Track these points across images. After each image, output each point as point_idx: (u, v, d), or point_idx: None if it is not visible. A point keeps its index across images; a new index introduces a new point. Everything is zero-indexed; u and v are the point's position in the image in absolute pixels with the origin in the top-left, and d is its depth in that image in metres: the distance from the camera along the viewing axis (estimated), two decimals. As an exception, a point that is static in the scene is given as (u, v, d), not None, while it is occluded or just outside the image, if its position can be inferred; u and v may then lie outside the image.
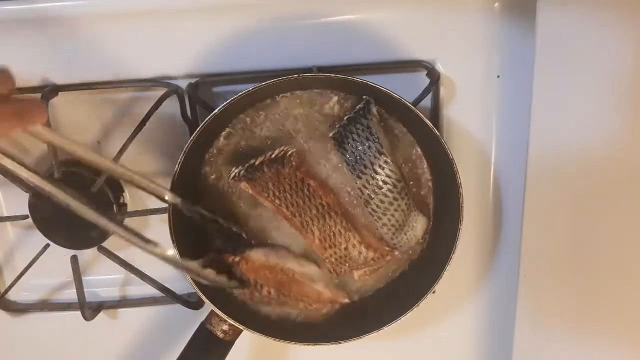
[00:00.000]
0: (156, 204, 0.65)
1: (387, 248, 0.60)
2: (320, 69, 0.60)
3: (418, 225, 0.60)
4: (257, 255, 0.58)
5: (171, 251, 0.52)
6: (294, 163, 0.58)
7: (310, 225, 0.58)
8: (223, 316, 0.58)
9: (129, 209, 0.66)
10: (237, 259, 0.57)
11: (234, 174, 0.58)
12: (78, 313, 0.65)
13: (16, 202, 0.65)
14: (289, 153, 0.58)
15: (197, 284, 0.58)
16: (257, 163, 0.57)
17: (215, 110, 0.55)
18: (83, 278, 0.66)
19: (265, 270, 0.58)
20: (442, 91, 0.62)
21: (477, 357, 0.70)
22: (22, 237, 0.69)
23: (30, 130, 0.42)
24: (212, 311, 0.59)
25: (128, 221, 0.66)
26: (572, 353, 0.62)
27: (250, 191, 0.58)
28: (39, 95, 0.59)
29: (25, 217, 0.64)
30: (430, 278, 0.58)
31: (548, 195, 0.59)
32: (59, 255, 0.66)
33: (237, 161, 0.59)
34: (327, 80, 0.55)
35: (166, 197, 0.54)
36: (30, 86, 0.61)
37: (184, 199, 0.55)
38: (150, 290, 0.67)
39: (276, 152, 0.57)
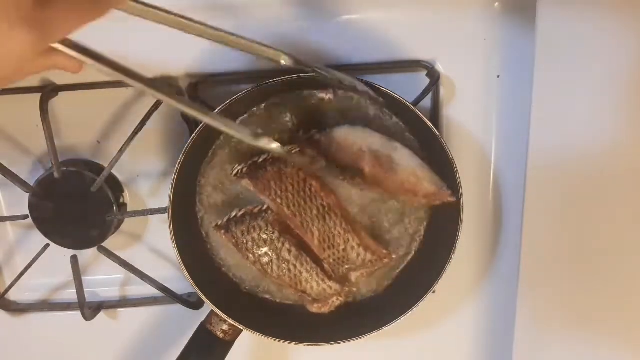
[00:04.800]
0: (156, 203, 0.65)
1: (384, 251, 0.60)
2: (321, 69, 0.60)
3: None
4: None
5: (275, 144, 0.48)
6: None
7: (310, 226, 0.58)
8: (223, 316, 0.58)
9: (129, 209, 0.66)
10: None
11: (236, 170, 0.58)
12: (78, 313, 0.65)
13: (16, 202, 0.65)
14: (294, 152, 0.57)
15: (197, 283, 0.58)
16: (260, 161, 0.57)
17: (216, 111, 0.55)
18: (83, 278, 0.66)
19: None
20: (442, 91, 0.62)
21: (477, 357, 0.70)
22: (22, 237, 0.69)
23: (104, 14, 0.37)
24: (212, 311, 0.59)
25: (128, 221, 0.67)
26: (572, 353, 0.62)
27: (252, 189, 0.58)
28: (39, 95, 0.59)
29: (25, 217, 0.64)
30: (430, 278, 0.58)
31: (548, 195, 0.59)
32: (59, 255, 0.66)
33: (237, 160, 0.59)
34: (327, 81, 0.55)
35: (282, 62, 0.49)
36: (30, 86, 0.61)
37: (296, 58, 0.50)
38: (150, 290, 0.67)
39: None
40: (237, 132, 0.46)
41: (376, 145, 0.57)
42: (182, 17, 0.44)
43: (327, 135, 0.57)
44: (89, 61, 0.39)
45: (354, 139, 0.57)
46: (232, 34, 0.47)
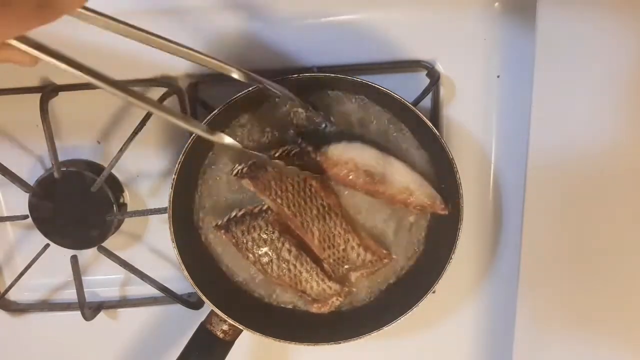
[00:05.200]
0: (156, 203, 0.65)
1: (384, 251, 0.60)
2: (320, 69, 0.60)
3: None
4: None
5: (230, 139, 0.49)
6: (297, 163, 0.58)
7: (310, 226, 0.58)
8: (223, 316, 0.58)
9: (129, 208, 0.66)
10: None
11: (236, 170, 0.58)
12: (78, 313, 0.65)
13: (16, 202, 0.65)
14: (292, 152, 0.58)
15: (197, 283, 0.58)
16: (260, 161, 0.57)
17: (215, 111, 0.55)
18: (83, 278, 0.66)
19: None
20: (442, 91, 0.62)
21: (477, 357, 0.70)
22: (22, 237, 0.69)
23: (51, 21, 0.35)
24: (212, 311, 0.59)
25: (128, 221, 0.67)
26: (572, 353, 0.62)
27: (252, 189, 0.58)
28: (39, 95, 0.59)
29: (25, 217, 0.64)
30: (430, 278, 0.58)
31: (548, 195, 0.59)
32: (59, 255, 0.66)
33: (237, 160, 0.59)
34: (327, 80, 0.55)
35: (233, 75, 0.50)
36: (30, 86, 0.62)
37: (273, 80, 0.52)
38: (150, 290, 0.67)
39: (280, 151, 0.57)
40: (190, 126, 0.46)
41: (371, 161, 0.57)
42: (141, 30, 0.45)
43: (322, 153, 0.58)
44: (45, 58, 0.39)
45: (348, 155, 0.57)
46: (184, 47, 0.47)
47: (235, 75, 0.49)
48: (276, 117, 0.59)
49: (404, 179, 0.58)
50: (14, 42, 0.37)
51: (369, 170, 0.57)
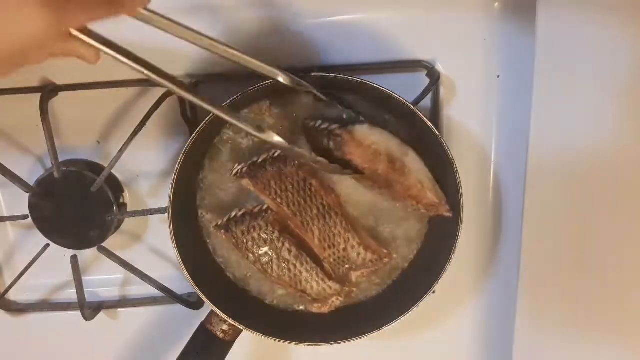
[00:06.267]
0: (156, 203, 0.65)
1: (385, 251, 0.60)
2: (321, 69, 0.60)
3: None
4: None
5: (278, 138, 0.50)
6: (296, 162, 0.58)
7: (310, 225, 0.58)
8: (223, 316, 0.58)
9: (129, 208, 0.66)
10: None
11: (236, 170, 0.58)
12: (78, 313, 0.65)
13: (16, 202, 0.65)
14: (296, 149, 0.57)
15: (197, 283, 0.58)
16: (259, 160, 0.57)
17: (222, 105, 0.55)
18: (83, 278, 0.66)
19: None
20: (442, 91, 0.62)
21: (477, 357, 0.70)
22: (22, 237, 0.69)
23: (116, 15, 0.38)
24: (212, 311, 0.59)
25: (128, 221, 0.67)
26: (572, 353, 0.62)
27: (252, 189, 0.58)
28: (39, 95, 0.59)
29: (25, 217, 0.64)
30: (430, 278, 0.58)
31: (548, 195, 0.59)
32: (59, 255, 0.66)
33: (237, 160, 0.59)
34: (327, 80, 0.55)
35: (280, 79, 0.52)
36: (30, 86, 0.62)
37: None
38: (150, 290, 0.67)
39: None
40: (242, 124, 0.48)
41: (392, 149, 0.57)
42: (193, 30, 0.48)
43: (349, 132, 0.56)
44: (109, 52, 0.41)
45: (373, 139, 0.56)
46: (235, 49, 0.49)
47: (281, 80, 0.52)
48: (277, 118, 0.59)
49: (420, 172, 0.57)
50: (81, 35, 0.38)
51: (392, 155, 0.56)
